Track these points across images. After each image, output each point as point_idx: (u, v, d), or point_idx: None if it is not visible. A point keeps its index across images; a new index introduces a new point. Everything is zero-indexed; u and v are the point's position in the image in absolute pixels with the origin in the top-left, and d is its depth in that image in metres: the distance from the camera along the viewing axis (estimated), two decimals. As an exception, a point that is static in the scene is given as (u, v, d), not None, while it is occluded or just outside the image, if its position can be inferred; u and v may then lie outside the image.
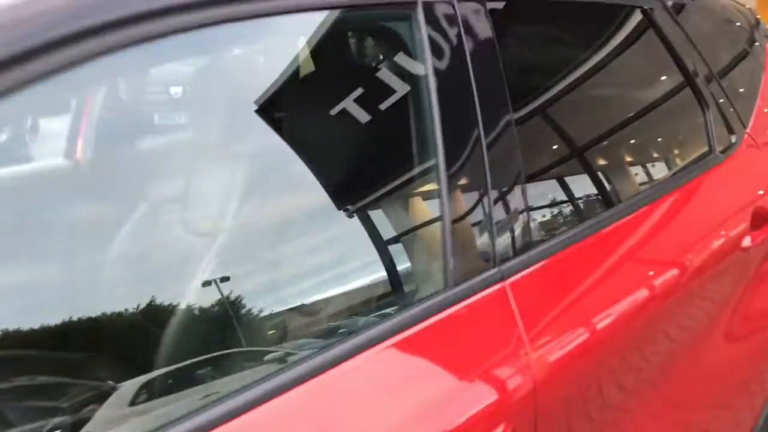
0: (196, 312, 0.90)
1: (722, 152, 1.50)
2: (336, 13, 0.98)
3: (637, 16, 1.48)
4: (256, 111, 0.99)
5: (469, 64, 1.04)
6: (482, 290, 0.99)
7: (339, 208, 1.04)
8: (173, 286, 0.90)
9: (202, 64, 1.10)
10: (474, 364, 0.94)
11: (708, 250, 1.31)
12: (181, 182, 1.02)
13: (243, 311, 0.92)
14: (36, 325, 0.78)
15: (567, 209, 1.23)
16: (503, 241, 1.03)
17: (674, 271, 1.23)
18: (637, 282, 1.17)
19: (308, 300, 0.96)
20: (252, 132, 1.04)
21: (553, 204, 1.20)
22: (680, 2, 1.63)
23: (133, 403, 0.77)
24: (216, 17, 0.82)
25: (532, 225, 1.08)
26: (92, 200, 0.93)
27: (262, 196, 1.04)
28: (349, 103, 1.06)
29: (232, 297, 0.90)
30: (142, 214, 0.95)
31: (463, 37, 1.05)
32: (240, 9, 0.85)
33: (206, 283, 0.89)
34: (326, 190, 1.03)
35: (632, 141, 1.47)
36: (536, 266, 1.05)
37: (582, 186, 1.27)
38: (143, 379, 0.82)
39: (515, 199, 1.07)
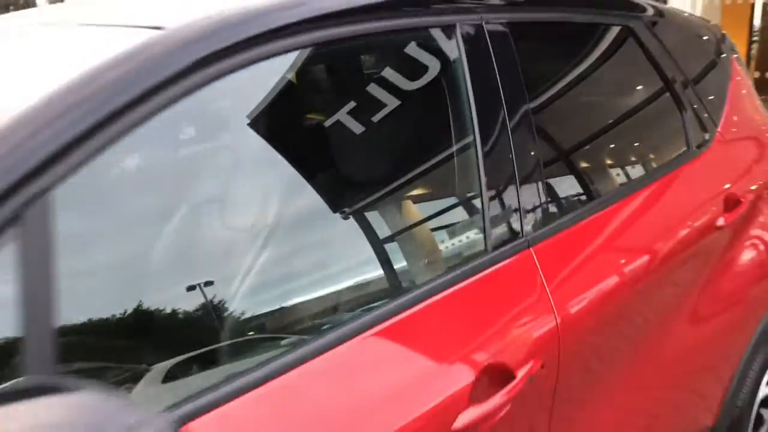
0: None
1: (698, 147, 1.78)
2: (402, 34, 1.23)
3: (624, 33, 1.75)
4: (348, 113, 1.23)
5: (497, 71, 1.29)
6: (513, 255, 1.24)
7: (410, 190, 1.30)
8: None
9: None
10: (511, 310, 1.18)
11: (690, 227, 1.58)
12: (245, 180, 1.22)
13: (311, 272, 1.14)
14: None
15: (577, 193, 1.49)
16: (528, 217, 1.29)
17: (664, 242, 1.50)
18: (633, 249, 1.43)
19: (388, 261, 1.20)
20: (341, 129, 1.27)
21: (566, 188, 1.46)
22: (653, 20, 1.89)
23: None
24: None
25: (549, 205, 1.33)
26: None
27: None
28: (411, 102, 1.30)
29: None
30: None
31: (491, 50, 1.30)
32: (323, 34, 1.08)
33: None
34: (401, 174, 1.28)
35: (626, 137, 1.74)
36: (554, 237, 1.30)
37: (588, 174, 1.53)
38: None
39: (535, 185, 1.32)
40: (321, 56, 1.20)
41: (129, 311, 0.93)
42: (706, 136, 1.82)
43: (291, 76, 1.17)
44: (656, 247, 1.47)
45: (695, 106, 1.82)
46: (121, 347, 0.96)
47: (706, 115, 1.84)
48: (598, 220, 1.41)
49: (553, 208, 1.36)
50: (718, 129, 1.86)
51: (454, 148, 1.28)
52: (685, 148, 1.76)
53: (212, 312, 1.01)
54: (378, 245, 1.21)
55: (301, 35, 1.04)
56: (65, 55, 1.02)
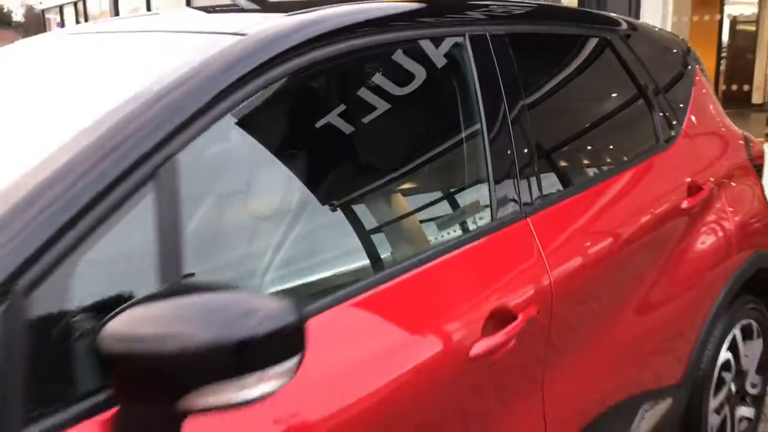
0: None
1: (666, 142, 2.07)
2: (419, 42, 1.50)
3: (602, 44, 2.04)
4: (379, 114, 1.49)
5: (499, 74, 1.56)
6: (514, 222, 1.51)
7: (430, 172, 1.58)
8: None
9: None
10: (513, 268, 1.45)
11: (660, 204, 1.87)
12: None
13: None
14: None
15: (567, 174, 1.77)
16: (525, 192, 1.55)
17: (640, 216, 1.78)
18: (615, 222, 1.71)
19: (418, 226, 1.48)
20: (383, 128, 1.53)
21: (558, 171, 1.74)
22: (627, 32, 2.19)
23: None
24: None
25: (543, 183, 1.60)
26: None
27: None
28: (428, 102, 1.57)
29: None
30: None
31: (494, 55, 1.57)
32: (353, 44, 1.34)
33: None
34: (421, 159, 1.55)
35: (606, 130, 2.03)
36: (547, 209, 1.58)
37: (574, 159, 1.81)
38: None
39: (532, 166, 1.59)
40: (360, 60, 1.46)
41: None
42: (673, 133, 2.11)
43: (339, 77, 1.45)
44: (634, 220, 1.76)
45: (663, 106, 2.11)
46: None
47: (672, 114, 2.14)
48: (585, 197, 1.69)
49: (547, 186, 1.63)
50: (683, 127, 2.15)
51: (465, 137, 1.55)
52: (655, 142, 2.05)
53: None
54: (410, 214, 1.48)
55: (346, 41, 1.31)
56: (176, 53, 1.27)
